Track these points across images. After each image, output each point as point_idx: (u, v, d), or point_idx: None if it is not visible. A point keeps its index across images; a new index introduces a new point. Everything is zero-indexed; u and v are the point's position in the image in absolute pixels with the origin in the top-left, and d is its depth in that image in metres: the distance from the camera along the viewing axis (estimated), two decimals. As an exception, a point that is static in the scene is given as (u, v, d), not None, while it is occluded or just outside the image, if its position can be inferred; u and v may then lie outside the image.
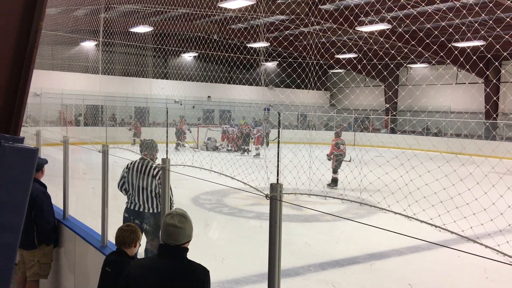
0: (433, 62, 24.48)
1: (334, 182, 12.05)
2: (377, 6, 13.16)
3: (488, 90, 24.57)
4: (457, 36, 16.66)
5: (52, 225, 4.59)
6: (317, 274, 5.75)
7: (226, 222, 8.41)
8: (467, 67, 22.23)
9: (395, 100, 29.46)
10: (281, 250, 2.29)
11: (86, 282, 4.15)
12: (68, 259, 4.65)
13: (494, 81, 24.97)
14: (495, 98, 24.20)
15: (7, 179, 2.38)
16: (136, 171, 4.85)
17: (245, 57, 23.61)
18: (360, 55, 22.69)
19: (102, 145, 4.37)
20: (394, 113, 29.38)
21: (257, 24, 19.87)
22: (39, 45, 2.83)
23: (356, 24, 16.91)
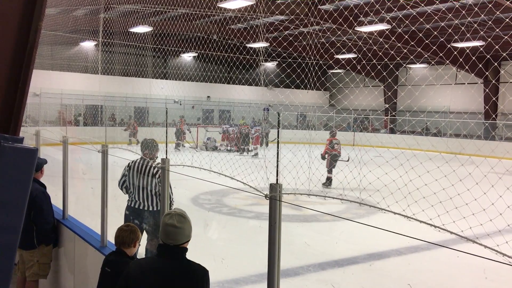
0: (433, 62, 24.51)
1: (328, 181, 12.07)
2: (377, 6, 13.17)
3: (487, 90, 24.59)
4: (456, 37, 16.67)
5: (52, 225, 4.59)
6: (317, 274, 5.76)
7: (225, 222, 8.41)
8: (467, 67, 22.24)
9: (395, 101, 29.47)
10: (280, 250, 2.29)
11: (85, 282, 4.15)
12: (67, 259, 4.65)
13: (494, 81, 24.98)
14: (494, 99, 24.21)
15: (6, 179, 2.38)
16: (137, 170, 4.92)
17: (245, 57, 23.61)
18: (360, 56, 22.71)
19: (101, 145, 4.37)
20: (394, 113, 29.40)
21: (256, 25, 19.87)
22: (38, 45, 2.83)
23: (355, 24, 16.93)
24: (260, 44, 19.78)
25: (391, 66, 26.09)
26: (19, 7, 2.69)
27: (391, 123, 29.57)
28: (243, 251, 6.63)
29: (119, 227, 3.23)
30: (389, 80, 26.36)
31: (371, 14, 16.58)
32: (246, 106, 30.29)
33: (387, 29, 17.23)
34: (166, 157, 3.43)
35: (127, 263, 2.71)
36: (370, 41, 17.85)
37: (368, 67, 27.15)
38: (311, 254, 6.48)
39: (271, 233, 2.28)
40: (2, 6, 2.66)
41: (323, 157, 12.34)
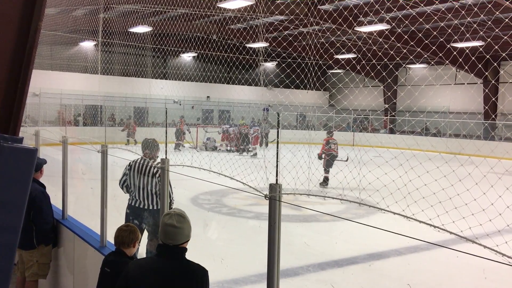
0: (432, 62, 24.52)
1: (325, 181, 12.10)
2: (376, 6, 13.17)
3: (487, 90, 24.60)
4: (456, 37, 16.68)
5: (51, 225, 4.59)
6: (316, 274, 5.76)
7: (225, 222, 8.41)
8: (466, 67, 22.28)
9: (394, 101, 29.48)
10: (280, 250, 2.29)
11: (85, 282, 4.14)
12: (67, 259, 4.65)
13: (493, 81, 25.00)
14: (493, 99, 24.23)
15: (6, 179, 2.38)
16: (138, 169, 4.98)
17: (244, 58, 23.60)
18: (359, 56, 22.72)
19: (101, 145, 4.37)
20: (393, 113, 29.41)
21: (256, 25, 19.87)
22: (38, 45, 2.83)
23: (355, 24, 16.93)
24: (259, 44, 19.79)
25: (391, 66, 26.09)
26: (18, 7, 2.69)
27: (390, 123, 29.59)
28: (242, 251, 6.63)
29: (118, 227, 3.23)
30: (389, 80, 26.36)
31: (371, 14, 16.59)
32: (246, 106, 30.29)
33: (386, 29, 17.24)
34: (166, 157, 3.43)
35: (126, 263, 2.70)
36: (370, 41, 17.84)
37: (367, 67, 27.17)
38: (310, 254, 6.48)
39: (270, 233, 2.28)
40: (1, 6, 2.65)
41: (320, 157, 12.37)
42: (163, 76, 29.22)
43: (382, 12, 14.98)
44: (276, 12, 15.71)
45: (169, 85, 25.86)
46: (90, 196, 8.21)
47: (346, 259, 6.35)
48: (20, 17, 2.70)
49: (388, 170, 3.87)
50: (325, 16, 16.02)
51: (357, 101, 29.39)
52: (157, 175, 4.76)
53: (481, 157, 6.33)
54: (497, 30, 4.15)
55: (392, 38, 14.85)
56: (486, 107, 24.29)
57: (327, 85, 32.61)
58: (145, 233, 5.16)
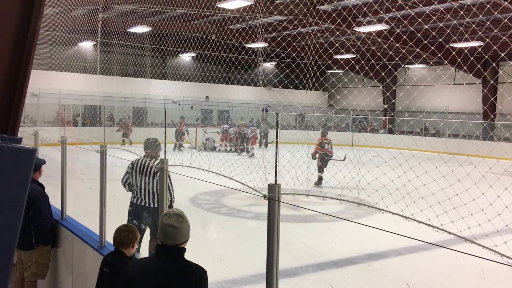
0: (431, 62, 24.55)
1: (319, 181, 12.17)
2: (375, 6, 13.19)
3: (485, 90, 24.64)
4: (455, 37, 16.70)
5: (50, 226, 4.58)
6: (315, 275, 5.76)
7: (224, 223, 8.41)
8: (465, 67, 22.31)
9: (393, 101, 29.51)
10: (279, 251, 2.29)
11: (84, 282, 4.14)
12: (66, 259, 4.65)
13: (492, 82, 25.04)
14: (492, 99, 24.27)
15: (5, 179, 2.37)
16: (139, 168, 5.09)
17: (243, 58, 23.62)
18: (358, 56, 22.75)
19: (100, 145, 4.36)
20: (392, 113, 29.44)
21: (255, 25, 19.88)
22: (37, 45, 2.83)
23: (354, 24, 16.93)
24: (258, 44, 19.79)
25: (390, 66, 26.13)
26: (17, 7, 2.69)
27: (389, 123, 29.61)
28: (241, 251, 6.63)
29: (117, 228, 3.23)
30: (388, 80, 26.39)
31: (370, 14, 16.60)
32: (245, 107, 30.30)
33: (385, 30, 17.26)
34: (165, 157, 3.43)
35: (125, 264, 2.70)
36: (369, 42, 17.87)
37: (366, 68, 27.19)
38: (309, 254, 6.49)
39: (269, 234, 2.28)
40: (0, 7, 2.65)
41: (313, 157, 12.43)
42: (162, 76, 29.22)
43: (381, 12, 14.99)
44: (275, 12, 15.71)
45: (168, 85, 25.85)
46: (89, 196, 8.21)
47: (345, 259, 6.36)
48: (19, 17, 2.70)
49: (387, 170, 3.87)
50: (324, 17, 16.03)
51: (356, 101, 29.42)
52: (158, 174, 4.80)
53: (480, 157, 6.33)
54: (496, 31, 4.16)
55: (391, 39, 14.87)
56: (485, 107, 24.33)
57: (326, 85, 32.63)
58: (147, 231, 5.19)
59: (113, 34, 16.89)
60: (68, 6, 13.57)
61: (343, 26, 16.06)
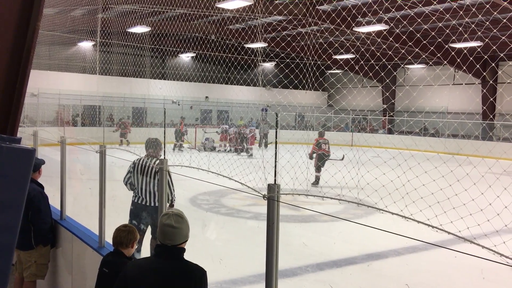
0: (430, 63, 24.56)
1: (316, 180, 12.21)
2: (375, 7, 13.19)
3: (485, 91, 24.65)
4: (454, 37, 16.70)
5: (49, 226, 4.58)
6: (315, 275, 5.76)
7: (223, 223, 8.41)
8: (464, 68, 22.32)
9: (393, 101, 29.53)
10: (278, 251, 2.29)
11: (83, 282, 4.14)
12: (65, 259, 4.64)
13: (491, 82, 25.05)
14: (491, 99, 24.28)
15: (4, 179, 2.37)
16: (141, 168, 5.14)
17: (243, 58, 23.62)
18: (358, 56, 22.75)
19: (99, 145, 4.36)
20: (392, 113, 29.45)
21: (254, 25, 19.88)
22: (36, 45, 2.82)
23: (353, 25, 16.93)
24: (258, 45, 19.80)
25: (389, 66, 26.14)
26: (16, 7, 2.68)
27: (389, 123, 29.62)
28: (241, 251, 6.63)
29: (117, 228, 3.23)
30: (387, 80, 26.40)
31: (369, 14, 16.60)
32: (244, 107, 30.30)
33: (385, 30, 17.27)
34: (164, 158, 3.43)
35: (125, 264, 2.70)
36: (368, 42, 17.87)
37: (366, 68, 27.20)
38: (309, 254, 6.49)
39: (269, 234, 2.28)
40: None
41: (310, 157, 12.47)
42: (161, 76, 29.21)
43: (381, 12, 15.00)
44: (275, 13, 15.71)
45: (167, 85, 25.85)
46: (89, 197, 8.20)
47: (345, 259, 6.36)
48: (18, 17, 2.70)
49: (386, 170, 3.87)
50: (324, 17, 16.04)
51: (355, 102, 29.42)
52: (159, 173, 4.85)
53: (479, 157, 6.34)
54: (495, 31, 4.16)
55: (391, 39, 14.87)
56: (484, 107, 24.34)
57: (326, 85, 32.64)
58: (148, 230, 5.20)
59: (112, 34, 16.86)
60: (68, 6, 13.57)
61: (343, 26, 16.07)
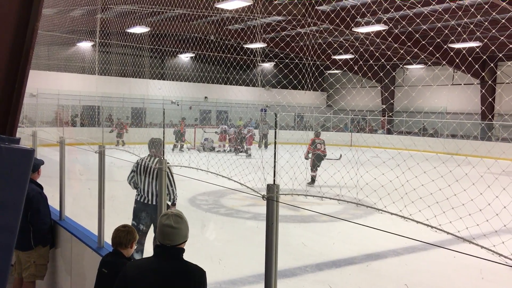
0: (429, 63, 24.58)
1: (312, 180, 12.28)
2: (374, 7, 13.20)
3: (483, 91, 24.67)
4: (453, 38, 16.72)
5: (49, 226, 4.58)
6: (314, 275, 5.76)
7: (223, 223, 8.41)
8: (463, 68, 22.33)
9: (392, 101, 29.54)
10: (277, 251, 2.29)
11: (82, 283, 4.14)
12: (64, 260, 4.64)
13: (490, 82, 25.08)
14: (490, 99, 24.31)
15: (3, 180, 2.37)
16: (144, 167, 5.23)
17: (242, 58, 23.62)
18: (357, 56, 22.76)
19: (98, 145, 4.36)
20: (391, 114, 29.47)
21: (254, 25, 19.88)
22: (35, 46, 2.82)
23: (352, 25, 16.94)
24: (257, 45, 19.81)
25: (388, 67, 26.16)
26: (15, 7, 2.68)
27: (388, 123, 29.64)
28: (240, 251, 6.63)
29: (116, 228, 3.23)
30: (386, 80, 26.42)
31: (368, 15, 16.62)
32: (244, 107, 30.30)
33: (384, 30, 17.28)
34: (164, 158, 3.43)
35: (124, 264, 2.70)
36: (367, 42, 17.89)
37: (365, 68, 27.21)
38: (308, 254, 6.49)
39: (268, 234, 2.28)
40: (-2, 7, 2.65)
41: (306, 157, 12.54)
42: (160, 76, 29.20)
43: (380, 13, 15.00)
44: (274, 13, 15.71)
45: (166, 85, 25.84)
46: (88, 197, 8.19)
47: (344, 260, 6.36)
48: (17, 17, 2.69)
49: (385, 170, 3.87)
50: (323, 17, 16.05)
51: (354, 102, 29.44)
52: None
53: (478, 157, 6.35)
54: (494, 31, 4.17)
55: (390, 39, 14.88)
56: (483, 108, 24.36)
57: (325, 85, 32.66)
58: (151, 229, 5.20)
59: (111, 34, 16.88)
60: (67, 7, 13.56)
61: (342, 27, 16.07)
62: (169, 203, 5.21)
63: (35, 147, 6.19)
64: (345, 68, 26.83)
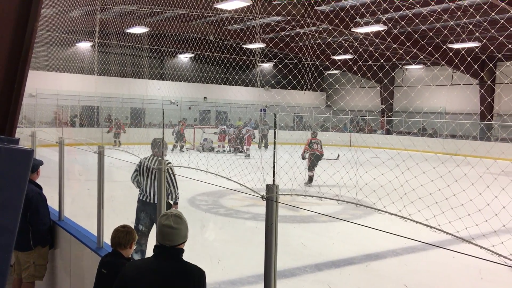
0: (428, 63, 24.59)
1: (309, 180, 12.32)
2: (373, 7, 13.21)
3: (482, 91, 24.69)
4: (452, 38, 16.74)
5: (48, 227, 4.57)
6: (313, 275, 5.76)
7: (222, 223, 8.41)
8: (462, 68, 22.34)
9: (391, 101, 29.55)
10: (277, 251, 2.29)
11: (81, 283, 4.13)
12: (63, 260, 4.64)
13: (489, 82, 25.09)
14: (489, 100, 24.32)
15: (2, 180, 2.37)
16: (146, 167, 5.31)
17: (241, 58, 23.62)
18: (356, 57, 22.76)
19: (97, 146, 4.36)
20: (390, 114, 29.48)
21: (253, 25, 19.88)
22: (34, 46, 2.82)
23: (351, 25, 16.96)
24: (256, 45, 19.81)
25: (387, 67, 26.17)
26: (14, 7, 2.68)
27: (387, 124, 29.65)
28: (239, 252, 6.63)
29: (115, 228, 3.23)
30: (385, 81, 26.43)
31: (367, 15, 16.63)
32: (243, 107, 30.30)
33: (383, 30, 17.29)
34: (163, 158, 3.42)
35: (123, 265, 2.70)
36: (366, 42, 17.89)
37: (364, 68, 27.22)
38: (307, 255, 6.49)
39: (267, 234, 2.28)
40: (-3, 7, 2.65)
41: (303, 157, 12.60)
42: (160, 77, 29.19)
43: (379, 13, 15.02)
44: (273, 13, 15.73)
45: (166, 85, 25.83)
46: (87, 197, 8.18)
47: (343, 260, 6.36)
48: (17, 17, 2.69)
49: (384, 170, 3.87)
50: (322, 17, 16.06)
51: (354, 102, 29.45)
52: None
53: (477, 157, 6.35)
54: (492, 31, 4.17)
55: (389, 39, 14.88)
56: (482, 108, 24.38)
57: (324, 86, 32.67)
58: (153, 229, 5.22)
59: (111, 34, 16.88)
60: (66, 7, 13.55)
61: (341, 27, 16.08)
62: (171, 202, 5.27)
63: (34, 148, 6.19)
64: (344, 68, 26.83)
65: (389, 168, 3.99)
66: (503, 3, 12.30)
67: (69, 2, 12.88)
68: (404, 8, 13.20)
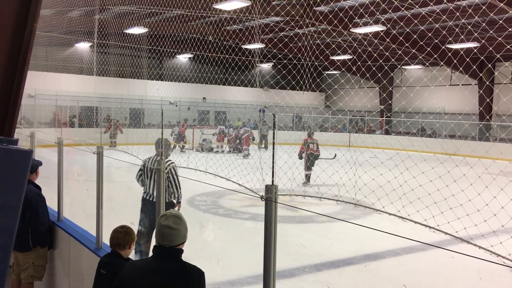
0: (427, 63, 24.62)
1: (307, 179, 12.37)
2: (372, 8, 13.23)
3: (481, 91, 24.72)
4: (450, 38, 16.76)
5: (47, 227, 4.57)
6: (313, 275, 5.76)
7: (221, 224, 8.41)
8: (461, 68, 22.38)
9: (390, 102, 29.57)
10: (276, 252, 2.29)
11: (80, 284, 4.13)
12: (62, 261, 4.63)
13: (488, 82, 25.13)
14: (488, 100, 24.35)
15: (1, 181, 2.37)
16: (150, 166, 5.33)
17: (240, 59, 23.63)
18: (355, 57, 22.78)
19: (96, 146, 4.35)
20: (389, 114, 29.50)
21: (252, 26, 19.89)
22: (33, 46, 2.82)
23: (350, 25, 16.98)
24: (255, 46, 19.80)
25: (386, 67, 26.19)
26: (13, 8, 2.68)
27: (386, 124, 29.67)
28: (239, 252, 6.63)
29: (114, 229, 3.22)
30: (384, 81, 26.46)
31: (366, 15, 16.64)
32: (242, 108, 30.30)
33: (382, 31, 17.30)
34: (162, 158, 3.42)
35: (122, 265, 2.70)
36: (365, 43, 17.90)
37: (363, 69, 27.25)
38: (307, 255, 6.49)
39: (266, 234, 2.28)
40: (-4, 7, 2.65)
41: (299, 157, 12.65)
42: (159, 77, 29.18)
43: (377, 13, 15.03)
44: (272, 14, 15.73)
45: (165, 86, 25.83)
46: (86, 198, 8.18)
47: (342, 260, 6.36)
48: (15, 18, 2.69)
49: (383, 171, 3.88)
50: (321, 18, 16.07)
51: (352, 102, 29.48)
52: (167, 172, 5.04)
53: (476, 158, 6.36)
54: (491, 32, 4.17)
55: (387, 40, 14.89)
56: (481, 108, 24.40)
57: (323, 86, 32.68)
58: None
59: (109, 35, 16.87)
60: (65, 7, 13.54)
61: (340, 27, 16.10)
62: (175, 201, 5.33)
63: (33, 148, 6.18)
64: (343, 69, 26.85)
65: (388, 168, 3.99)
66: (501, 4, 12.32)
67: (68, 2, 12.86)
68: (403, 9, 13.21)
